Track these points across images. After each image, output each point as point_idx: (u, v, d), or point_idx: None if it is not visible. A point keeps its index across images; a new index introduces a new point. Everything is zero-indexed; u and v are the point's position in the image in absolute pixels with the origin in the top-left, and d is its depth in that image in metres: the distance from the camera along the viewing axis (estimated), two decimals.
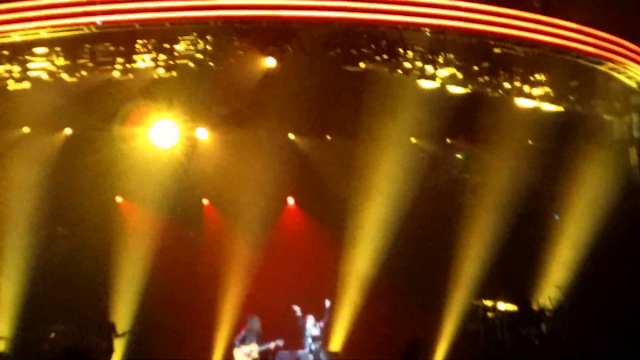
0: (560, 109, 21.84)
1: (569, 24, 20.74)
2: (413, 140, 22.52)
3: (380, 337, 21.95)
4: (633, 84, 22.15)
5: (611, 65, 21.46)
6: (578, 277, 21.85)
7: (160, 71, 19.72)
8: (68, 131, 22.14)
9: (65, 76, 19.75)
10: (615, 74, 21.78)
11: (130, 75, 19.82)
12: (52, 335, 21.46)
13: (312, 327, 21.64)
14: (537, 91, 21.54)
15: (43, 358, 20.59)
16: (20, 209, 21.24)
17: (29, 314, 21.12)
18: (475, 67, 20.90)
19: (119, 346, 21.66)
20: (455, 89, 20.90)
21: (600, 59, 21.27)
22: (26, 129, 21.58)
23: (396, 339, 21.71)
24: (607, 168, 21.78)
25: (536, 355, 21.39)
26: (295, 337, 21.91)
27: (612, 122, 22.57)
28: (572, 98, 21.87)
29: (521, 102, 21.56)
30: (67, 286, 21.29)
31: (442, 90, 20.78)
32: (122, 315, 22.13)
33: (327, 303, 21.72)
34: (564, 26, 20.71)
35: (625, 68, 21.60)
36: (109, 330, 21.56)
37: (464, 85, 20.90)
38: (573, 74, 21.64)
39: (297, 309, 21.56)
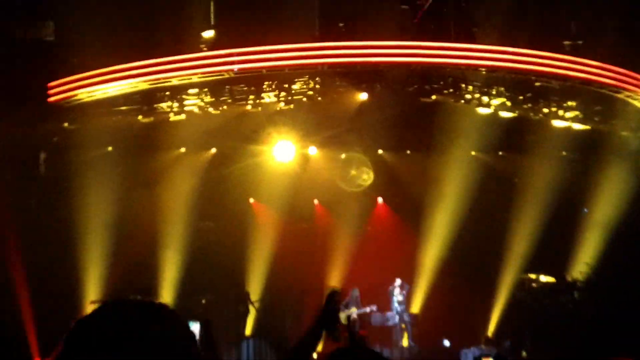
0: (587, 127, 21.91)
1: (593, 62, 20.88)
2: (473, 153, 22.50)
3: (449, 303, 22.17)
4: None
5: (627, 93, 21.50)
6: (602, 256, 21.69)
7: (282, 104, 20.72)
8: (214, 150, 22.45)
9: (211, 110, 20.86)
10: (630, 100, 21.75)
11: (259, 108, 20.79)
12: (204, 301, 21.80)
13: (397, 294, 22.41)
14: (569, 114, 21.69)
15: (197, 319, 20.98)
16: (180, 209, 21.34)
17: (187, 287, 21.27)
18: (521, 97, 21.30)
19: (252, 310, 22.01)
20: (505, 114, 21.26)
21: (618, 89, 21.36)
22: (183, 149, 21.98)
23: (461, 305, 22.58)
24: (624, 173, 21.67)
25: (571, 317, 21.34)
26: (385, 303, 22.65)
27: (628, 137, 22.46)
28: (596, 119, 21.97)
29: (556, 123, 21.69)
30: (213, 267, 21.60)
31: (495, 115, 21.12)
32: (255, 288, 22.45)
33: (400, 281, 22.56)
34: (589, 64, 20.85)
35: (637, 95, 21.66)
36: (245, 298, 21.97)
37: (512, 111, 21.28)
38: (597, 100, 21.69)
39: (398, 280, 22.42)
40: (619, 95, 21.61)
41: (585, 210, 22.75)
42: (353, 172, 23.10)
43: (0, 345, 15.80)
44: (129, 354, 2.04)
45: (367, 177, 22.86)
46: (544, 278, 22.86)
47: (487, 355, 20.38)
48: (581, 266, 22.26)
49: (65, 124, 21.07)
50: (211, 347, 4.78)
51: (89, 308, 2.18)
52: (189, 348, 2.15)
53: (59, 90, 20.71)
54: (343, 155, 23.06)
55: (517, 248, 22.23)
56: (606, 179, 21.82)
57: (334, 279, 23.19)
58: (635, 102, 21.92)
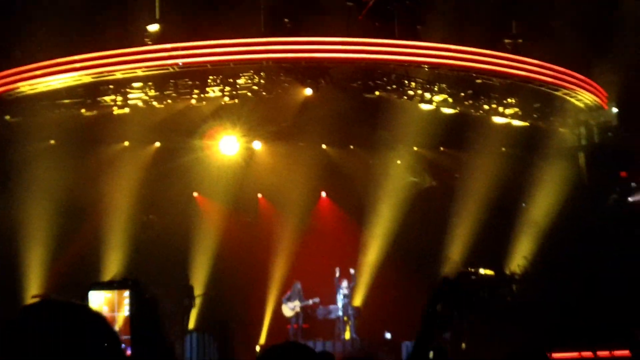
0: (526, 124, 22.13)
1: (533, 60, 21.11)
2: (415, 148, 22.74)
3: (391, 296, 22.31)
4: (581, 105, 22.43)
5: (565, 91, 21.78)
6: (539, 249, 21.95)
7: (226, 99, 20.52)
8: (158, 144, 22.38)
9: (155, 104, 20.57)
10: (568, 98, 22.03)
11: (204, 103, 20.58)
12: (147, 295, 21.50)
13: (344, 287, 22.31)
14: (509, 111, 21.95)
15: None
16: (124, 203, 21.19)
17: (137, 279, 20.74)
18: (462, 94, 21.49)
19: (197, 303, 21.63)
20: (447, 110, 21.36)
21: (557, 87, 21.63)
22: (126, 143, 21.83)
23: (402, 298, 22.65)
24: (562, 168, 21.95)
25: (509, 309, 20.85)
26: (328, 296, 22.57)
27: (565, 133, 22.77)
28: (535, 116, 22.28)
29: (497, 119, 21.90)
30: (158, 260, 20.96)
31: (437, 111, 21.21)
32: (199, 281, 22.21)
33: (352, 271, 22.42)
34: (529, 62, 21.11)
35: (575, 93, 21.96)
36: (189, 291, 21.46)
37: (454, 107, 21.44)
38: (536, 98, 21.99)
39: (337, 270, 22.27)
40: (558, 93, 21.86)
41: (524, 205, 23.02)
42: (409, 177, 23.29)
43: None
44: (51, 357, 2.01)
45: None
46: (483, 271, 22.27)
47: None
48: (519, 260, 22.17)
49: (7, 117, 20.60)
50: (145, 309, 4.63)
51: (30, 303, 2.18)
52: (113, 352, 2.12)
53: (0, 83, 20.22)
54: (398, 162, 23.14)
55: (458, 242, 22.46)
56: (544, 175, 22.10)
57: (278, 272, 23.36)
58: (573, 100, 22.20)
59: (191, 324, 21.99)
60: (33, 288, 19.96)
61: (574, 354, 16.00)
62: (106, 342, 2.11)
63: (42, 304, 2.15)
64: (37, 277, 20.48)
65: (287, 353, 3.72)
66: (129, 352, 4.34)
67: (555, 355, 15.51)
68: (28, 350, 2.01)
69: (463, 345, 21.89)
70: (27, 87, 20.16)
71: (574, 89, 21.88)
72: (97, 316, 2.15)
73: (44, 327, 2.05)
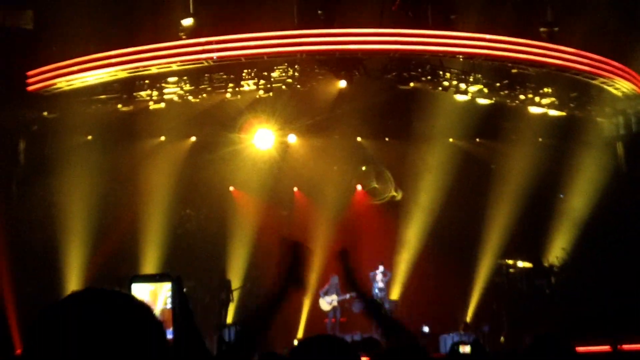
0: (563, 114, 21.90)
1: (569, 49, 20.76)
2: (451, 140, 22.59)
3: (428, 289, 22.19)
4: (619, 94, 22.06)
5: (602, 79, 21.40)
6: (578, 240, 21.76)
7: (261, 92, 20.52)
8: (193, 138, 22.40)
9: (190, 98, 20.58)
10: (605, 86, 21.69)
11: (239, 96, 20.58)
12: (185, 290, 21.52)
13: (379, 280, 22.19)
14: (545, 101, 21.66)
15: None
16: (160, 197, 21.14)
17: (179, 275, 20.64)
18: (498, 84, 21.25)
19: (234, 297, 21.49)
20: (482, 101, 21.20)
21: (594, 75, 21.25)
22: (162, 138, 21.94)
23: (440, 291, 22.48)
24: (599, 158, 21.71)
25: (547, 301, 21.41)
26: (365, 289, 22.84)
27: (603, 123, 22.51)
28: (572, 105, 21.98)
29: (533, 109, 21.67)
30: (194, 254, 21.41)
31: (472, 101, 21.07)
32: (236, 274, 22.08)
33: (381, 268, 22.24)
34: (565, 51, 20.73)
35: (612, 81, 21.56)
36: (227, 285, 21.55)
37: (489, 98, 21.22)
38: (573, 87, 21.69)
39: (380, 267, 22.12)
40: (595, 82, 21.50)
41: (562, 195, 22.76)
42: (374, 184, 23.02)
43: None
44: (93, 348, 1.95)
45: (395, 192, 22.86)
46: (521, 263, 22.74)
47: (465, 342, 20.31)
48: (557, 251, 22.26)
49: (45, 113, 20.72)
50: (185, 303, 4.69)
51: None
52: (159, 342, 2.07)
53: (38, 79, 20.27)
54: (363, 168, 23.03)
55: (495, 234, 22.13)
56: (582, 165, 21.82)
57: (315, 265, 22.95)
58: (611, 89, 21.84)
59: (229, 318, 21.88)
60: (72, 282, 20.04)
61: (607, 347, 15.77)
62: (152, 331, 2.05)
63: (87, 292, 2.08)
64: (75, 271, 20.46)
65: (322, 345, 3.70)
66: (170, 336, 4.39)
67: (590, 348, 15.27)
68: (71, 338, 1.95)
69: (502, 338, 21.80)
70: (64, 83, 20.23)
71: (612, 77, 21.47)
72: (143, 306, 2.09)
73: (88, 314, 1.99)
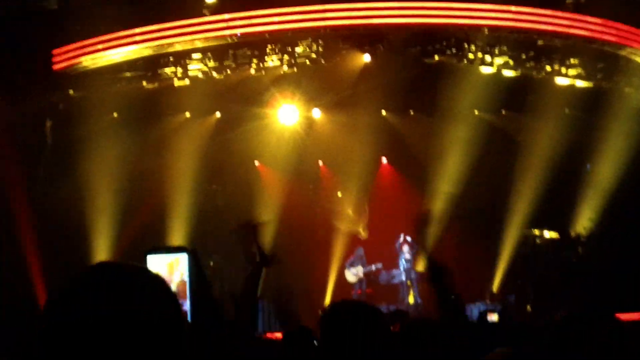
0: (590, 85, 21.64)
1: (596, 19, 20.49)
2: (477, 112, 22.36)
3: (454, 260, 21.96)
4: None
5: (629, 50, 21.05)
6: (605, 211, 21.60)
7: (285, 68, 20.45)
8: (218, 114, 22.37)
9: (215, 74, 20.52)
10: (633, 57, 21.35)
11: (263, 72, 20.50)
12: (212, 263, 21.32)
13: (406, 252, 22.29)
14: (572, 72, 21.34)
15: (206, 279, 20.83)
16: (187, 173, 21.27)
17: (195, 249, 20.92)
18: (523, 56, 20.86)
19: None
20: (508, 73, 21.01)
21: (621, 45, 20.94)
22: (187, 114, 21.91)
23: (466, 262, 22.50)
24: (627, 128, 21.34)
25: (574, 272, 21.26)
26: (390, 261, 22.52)
27: (631, 93, 22.08)
28: (599, 77, 21.62)
29: (560, 81, 21.42)
30: (221, 228, 21.00)
31: (498, 74, 20.91)
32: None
33: (410, 239, 22.30)
34: (591, 21, 20.43)
35: None
36: (253, 259, 21.97)
37: (515, 70, 20.92)
38: (599, 57, 21.32)
39: (401, 236, 22.27)
40: (622, 52, 21.21)
41: (588, 166, 22.64)
42: (350, 211, 23.16)
43: (10, 305, 16.12)
44: (107, 321, 1.98)
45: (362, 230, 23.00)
46: (547, 234, 22.39)
47: (492, 311, 20.41)
48: (584, 222, 22.17)
49: (71, 92, 20.77)
50: (202, 275, 4.86)
51: None
52: (173, 314, 2.08)
53: (63, 58, 20.34)
54: (339, 194, 23.22)
55: (521, 205, 22.05)
56: (609, 136, 21.62)
57: (340, 238, 23.31)
58: (638, 59, 21.54)
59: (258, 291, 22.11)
60: (100, 257, 20.26)
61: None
62: (166, 303, 2.08)
63: (100, 265, 2.12)
64: (104, 247, 20.78)
65: (352, 311, 3.72)
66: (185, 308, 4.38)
67: (622, 316, 15.18)
68: (86, 311, 1.98)
69: (528, 308, 21.86)
70: (89, 62, 20.30)
71: (639, 47, 21.22)
72: (157, 278, 2.12)
73: (102, 287, 2.03)
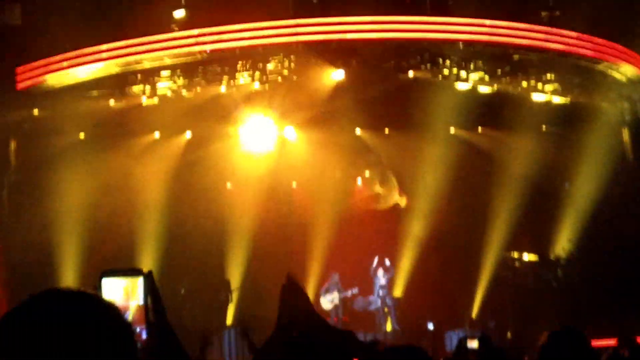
0: (567, 100, 21.48)
1: (572, 33, 20.46)
2: (453, 130, 22.12)
3: (432, 285, 21.59)
4: (623, 79, 21.73)
5: (606, 64, 21.15)
6: (585, 231, 21.29)
7: (256, 85, 20.20)
8: (188, 134, 21.96)
9: (184, 92, 20.32)
10: (609, 71, 21.39)
11: (234, 89, 20.29)
12: (182, 291, 21.06)
13: (381, 277, 21.79)
14: (548, 87, 21.30)
15: (176, 308, 20.36)
16: (156, 195, 20.86)
17: (165, 276, 19.29)
18: (499, 71, 20.88)
19: (234, 297, 21.51)
20: (483, 89, 20.87)
21: (597, 60, 20.97)
22: (157, 134, 21.58)
23: (444, 287, 22.02)
24: (605, 145, 21.25)
25: (554, 295, 21.07)
26: (367, 286, 22.02)
27: (608, 109, 22.08)
28: (575, 91, 21.56)
29: (536, 97, 21.28)
30: (192, 254, 20.94)
31: (474, 90, 20.75)
32: (235, 274, 21.80)
33: (387, 262, 21.95)
34: (567, 35, 20.45)
35: (617, 66, 21.33)
36: (226, 286, 21.44)
37: (491, 85, 20.87)
38: (576, 72, 21.32)
39: (375, 260, 21.77)
40: (599, 66, 21.25)
41: (567, 185, 22.45)
42: (378, 189, 22.72)
43: None
44: (59, 350, 1.87)
45: (399, 198, 22.48)
46: (526, 256, 22.39)
47: (472, 337, 20.06)
48: (564, 243, 21.88)
49: (35, 111, 20.39)
50: (157, 300, 4.42)
51: None
52: (125, 344, 1.97)
53: (27, 76, 19.94)
54: (367, 172, 22.92)
55: (499, 226, 21.69)
56: (587, 153, 21.35)
57: (315, 263, 22.64)
58: (615, 73, 21.55)
59: (229, 320, 21.60)
60: (66, 282, 19.47)
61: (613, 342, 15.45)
62: (118, 332, 1.97)
63: (49, 292, 1.99)
64: (70, 272, 20.09)
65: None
66: (144, 336, 4.47)
67: (597, 341, 14.90)
68: (32, 341, 1.87)
69: (509, 333, 21.42)
70: (54, 80, 19.98)
71: (616, 62, 21.13)
72: (108, 306, 2.02)
73: (44, 317, 1.91)
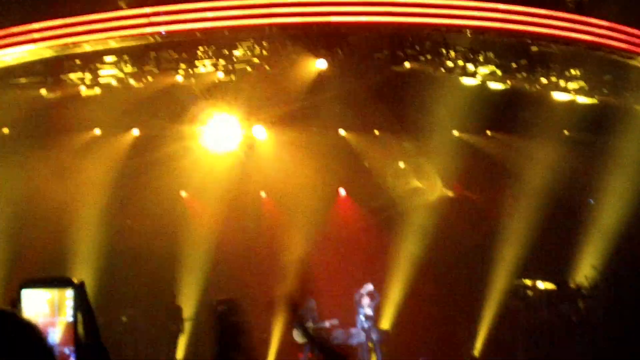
0: (594, 101, 21.56)
1: (602, 22, 20.43)
2: (456, 133, 22.32)
3: (426, 316, 22.07)
4: None
5: None
6: (612, 257, 21.61)
7: (220, 75, 20.23)
8: (135, 132, 22.15)
9: (132, 82, 20.23)
10: None
11: (193, 80, 20.25)
12: (124, 318, 21.40)
13: (366, 306, 21.78)
14: (572, 85, 21.37)
15: (116, 339, 20.26)
16: (92, 205, 21.14)
17: (104, 301, 19.94)
18: (514, 65, 20.96)
19: (186, 329, 21.74)
20: (495, 85, 20.89)
21: (632, 54, 20.93)
22: (97, 131, 21.68)
23: (441, 318, 22.33)
24: (637, 154, 21.39)
25: (574, 331, 21.30)
26: (349, 317, 22.06)
27: None
28: (605, 91, 21.66)
29: (557, 96, 21.36)
30: (137, 276, 21.36)
31: (482, 86, 20.78)
32: (188, 301, 22.04)
33: (371, 287, 21.91)
34: (596, 24, 20.38)
35: None
36: (177, 314, 21.63)
37: (503, 82, 20.91)
38: (606, 68, 21.41)
39: (369, 286, 21.79)
40: (633, 62, 21.23)
41: (592, 201, 22.75)
42: (416, 183, 23.17)
43: None
44: None
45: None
46: (542, 284, 22.56)
47: None
48: (587, 270, 22.17)
49: None
50: (90, 315, 4.56)
51: None
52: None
53: None
54: (401, 164, 23.08)
55: (510, 248, 22.18)
56: (616, 163, 21.67)
57: (286, 290, 22.59)
58: None
59: (179, 354, 22.03)
60: None
61: None
62: (35, 357, 2.12)
63: None
64: None
65: None
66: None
67: None
68: None
69: None
70: None
71: None
72: (25, 325, 2.16)
73: None
